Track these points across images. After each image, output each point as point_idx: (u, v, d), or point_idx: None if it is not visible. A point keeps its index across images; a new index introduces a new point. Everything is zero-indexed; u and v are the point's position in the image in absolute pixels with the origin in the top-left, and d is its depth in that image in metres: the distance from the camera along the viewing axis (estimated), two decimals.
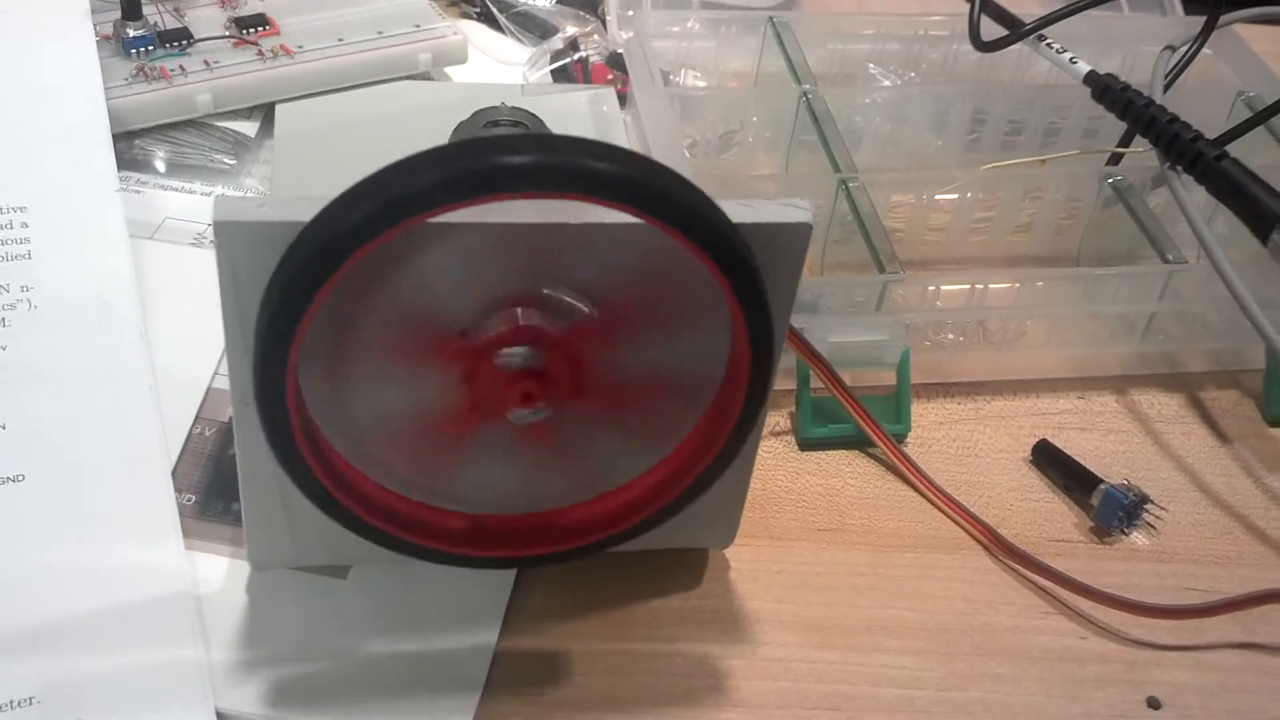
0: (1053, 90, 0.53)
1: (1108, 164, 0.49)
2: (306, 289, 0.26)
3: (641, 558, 0.36)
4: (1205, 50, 0.53)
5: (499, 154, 0.25)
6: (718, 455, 0.32)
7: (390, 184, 0.25)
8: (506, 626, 0.35)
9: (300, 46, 0.50)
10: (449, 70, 0.53)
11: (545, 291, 0.29)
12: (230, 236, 0.27)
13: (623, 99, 0.52)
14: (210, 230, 0.45)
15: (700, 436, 0.33)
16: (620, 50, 0.54)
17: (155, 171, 0.48)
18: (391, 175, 0.25)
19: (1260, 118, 0.48)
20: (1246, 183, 0.44)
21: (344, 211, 0.25)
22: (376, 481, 0.32)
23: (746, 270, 0.29)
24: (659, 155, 0.46)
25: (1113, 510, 0.40)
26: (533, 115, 0.42)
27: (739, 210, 0.29)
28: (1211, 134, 0.45)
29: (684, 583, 0.37)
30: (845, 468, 0.42)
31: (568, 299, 0.29)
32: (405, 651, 0.35)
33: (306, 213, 0.26)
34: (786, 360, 0.41)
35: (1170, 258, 0.44)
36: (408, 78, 0.51)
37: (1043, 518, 0.41)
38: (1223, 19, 0.54)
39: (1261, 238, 0.43)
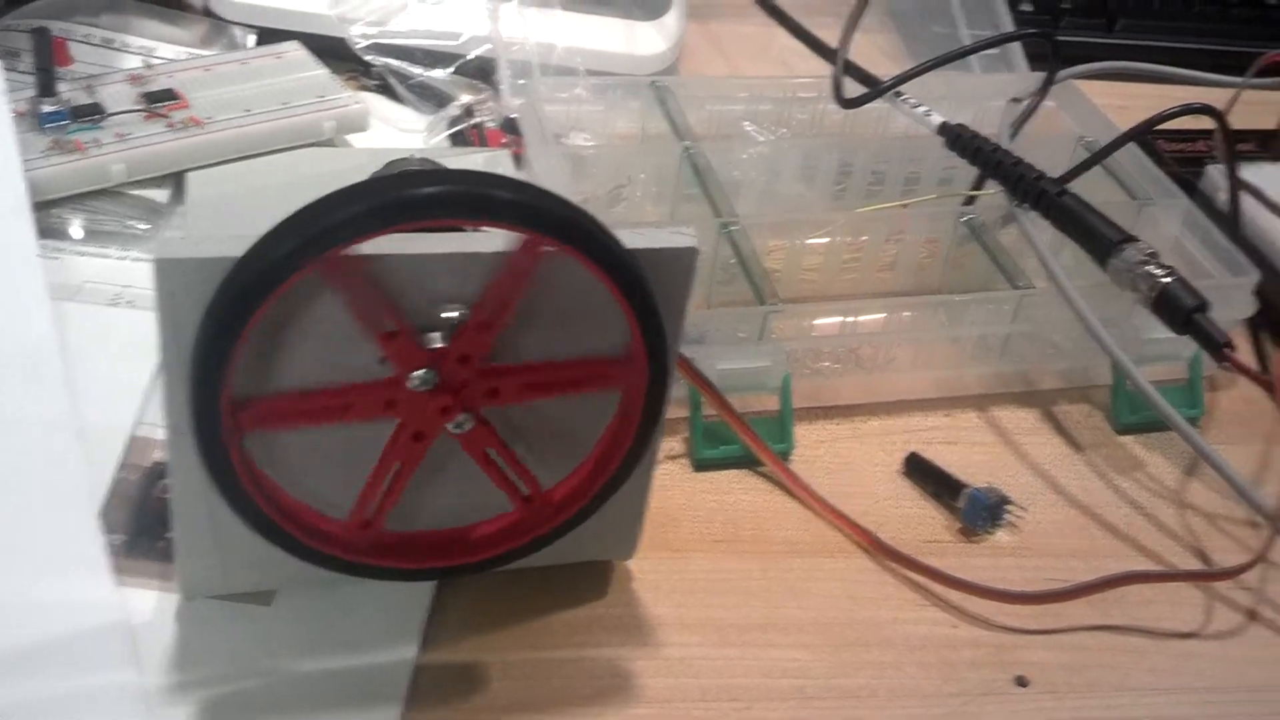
0: (911, 142, 0.57)
1: (962, 205, 0.53)
2: (241, 314, 0.29)
3: (551, 571, 0.39)
4: (1048, 102, 0.58)
5: (419, 185, 0.28)
6: (622, 464, 0.36)
7: (320, 215, 0.28)
8: (426, 641, 0.38)
9: (209, 117, 0.53)
10: (351, 138, 0.56)
11: (441, 315, 0.32)
12: (169, 273, 0.29)
13: (518, 160, 0.56)
14: (126, 291, 0.48)
15: (604, 448, 0.36)
16: (514, 115, 0.57)
17: (72, 238, 0.50)
18: (321, 207, 0.28)
19: (1096, 158, 0.53)
20: (1085, 215, 0.48)
21: (276, 241, 0.28)
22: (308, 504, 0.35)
23: (641, 288, 0.32)
24: None
25: (978, 512, 0.44)
26: (440, 164, 0.45)
27: (632, 238, 0.33)
28: (1055, 175, 0.50)
29: (592, 593, 0.40)
30: (736, 485, 0.45)
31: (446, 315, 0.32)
32: (329, 669, 0.37)
33: (239, 249, 0.29)
34: (679, 389, 0.45)
35: (1020, 285, 0.49)
36: (313, 145, 0.54)
37: (916, 522, 0.45)
38: (1062, 74, 0.59)
39: (1100, 263, 0.47)
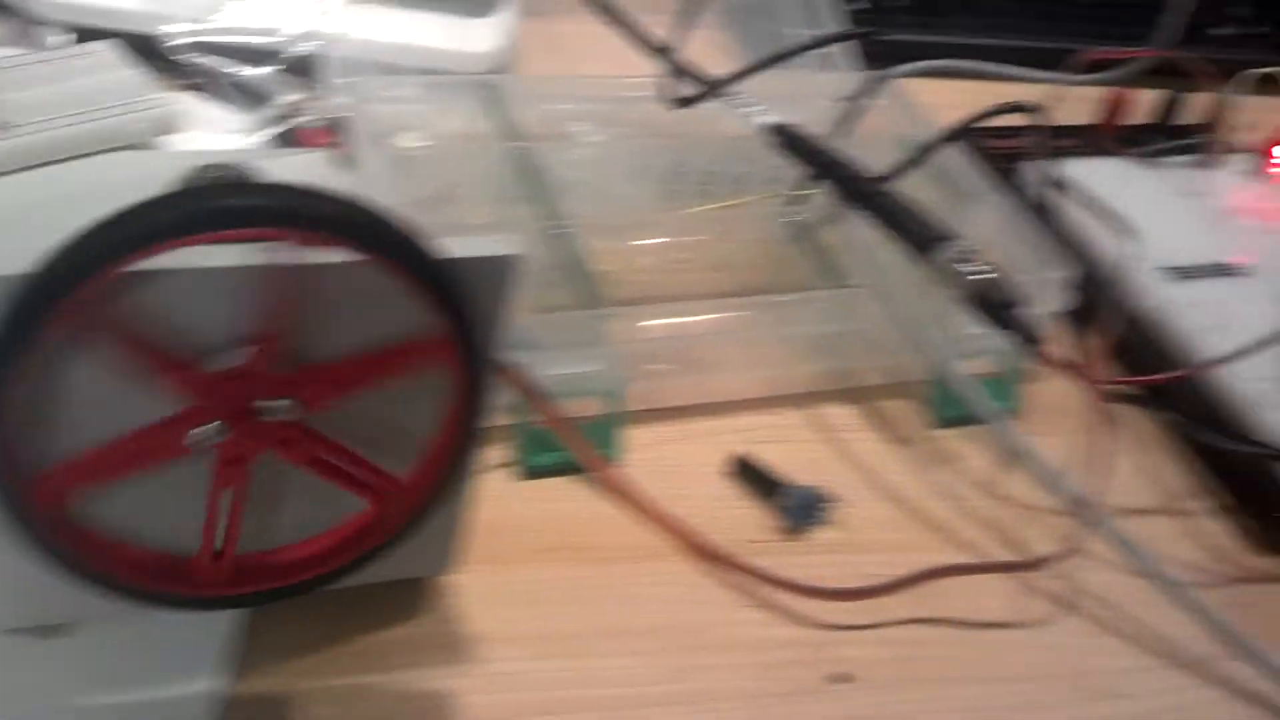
0: (742, 141, 0.58)
1: (791, 205, 0.54)
2: (29, 329, 0.27)
3: (369, 591, 0.38)
4: (877, 101, 0.60)
5: (222, 196, 0.27)
6: (437, 486, 0.35)
7: (122, 223, 0.27)
8: (240, 670, 0.37)
9: (10, 121, 0.50)
10: (169, 139, 0.54)
11: (222, 333, 0.31)
12: None
13: (344, 160, 0.55)
14: None
15: (419, 469, 0.35)
16: (339, 115, 0.56)
17: None
18: (123, 216, 0.27)
19: (917, 158, 0.54)
20: (905, 214, 0.49)
21: (71, 254, 0.27)
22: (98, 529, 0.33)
23: (461, 301, 0.32)
24: None
25: (801, 510, 0.45)
26: (255, 172, 0.44)
27: (452, 245, 0.32)
28: (880, 174, 0.51)
29: (413, 611, 0.40)
30: (566, 492, 0.45)
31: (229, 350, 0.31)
32: (131, 703, 0.36)
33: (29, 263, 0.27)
34: (508, 396, 0.44)
35: (845, 284, 0.50)
36: (127, 148, 0.52)
37: (742, 522, 0.45)
38: (892, 72, 0.61)
39: (919, 261, 0.48)
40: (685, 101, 0.56)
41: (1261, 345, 0.48)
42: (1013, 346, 0.48)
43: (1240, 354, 0.48)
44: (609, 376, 0.46)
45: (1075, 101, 0.63)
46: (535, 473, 0.45)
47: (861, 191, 0.50)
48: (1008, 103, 0.55)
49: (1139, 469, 0.50)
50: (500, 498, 0.44)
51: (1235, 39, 0.81)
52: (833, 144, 0.54)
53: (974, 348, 0.50)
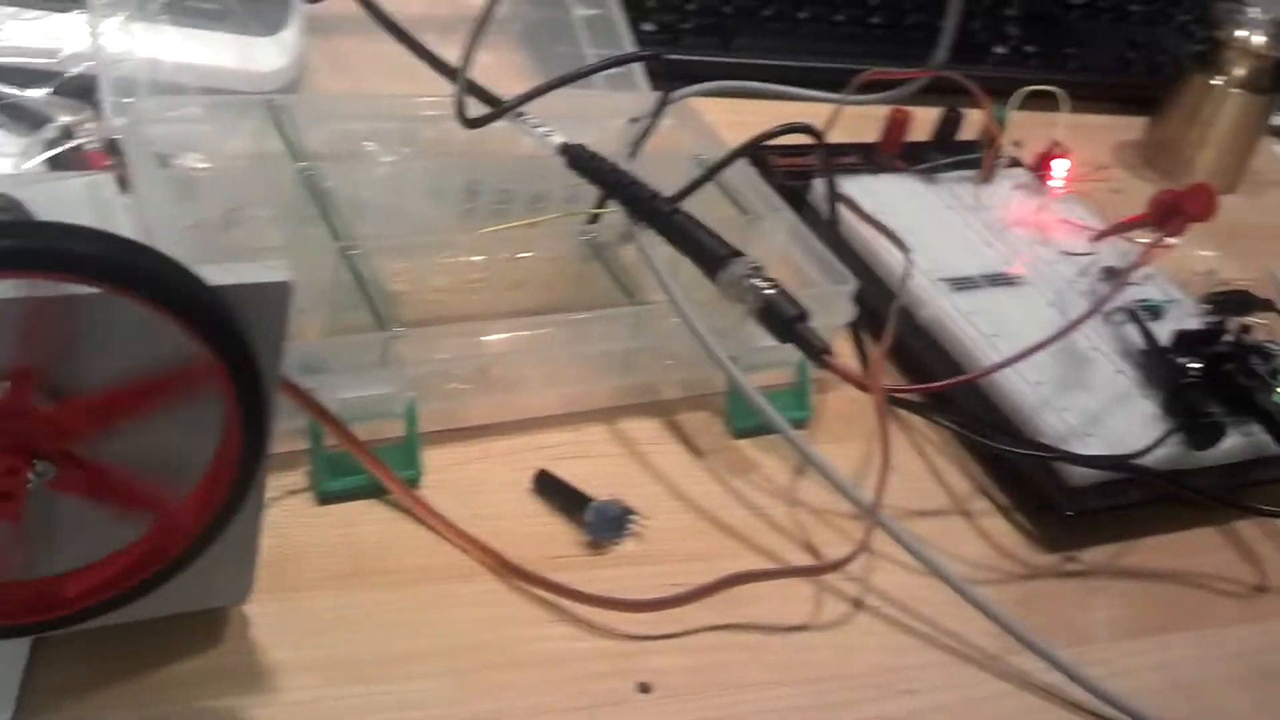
0: (536, 161, 0.58)
1: (586, 224, 0.55)
2: None
3: (166, 623, 0.37)
4: (667, 120, 0.61)
5: None
6: (218, 512, 0.34)
7: None
8: (22, 708, 0.35)
9: None
10: None
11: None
12: None
13: (123, 183, 0.53)
14: None
15: (200, 496, 0.34)
16: (117, 136, 0.54)
17: None
18: None
19: (705, 176, 0.55)
20: (695, 232, 0.50)
21: None
22: None
23: (227, 330, 0.31)
24: (160, 237, 0.47)
25: (603, 524, 0.45)
26: (15, 202, 0.42)
27: (218, 274, 0.31)
28: (671, 194, 0.52)
29: (205, 642, 0.38)
30: (364, 516, 0.44)
31: None
32: None
33: None
34: (299, 420, 0.43)
35: (640, 300, 0.51)
36: None
37: (545, 538, 0.45)
38: (678, 93, 0.62)
39: (710, 278, 0.50)
40: (477, 121, 0.56)
41: (1035, 349, 0.51)
42: (802, 358, 0.49)
43: (1017, 359, 0.51)
44: (401, 398, 0.46)
45: (859, 120, 0.66)
46: (330, 498, 0.45)
47: (652, 210, 0.51)
48: (790, 123, 0.57)
49: (925, 473, 0.53)
50: (296, 524, 0.43)
51: (1010, 58, 0.86)
52: (624, 163, 0.55)
53: (767, 360, 0.51)
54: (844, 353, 0.54)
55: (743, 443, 0.51)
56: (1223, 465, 0.53)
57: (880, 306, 0.56)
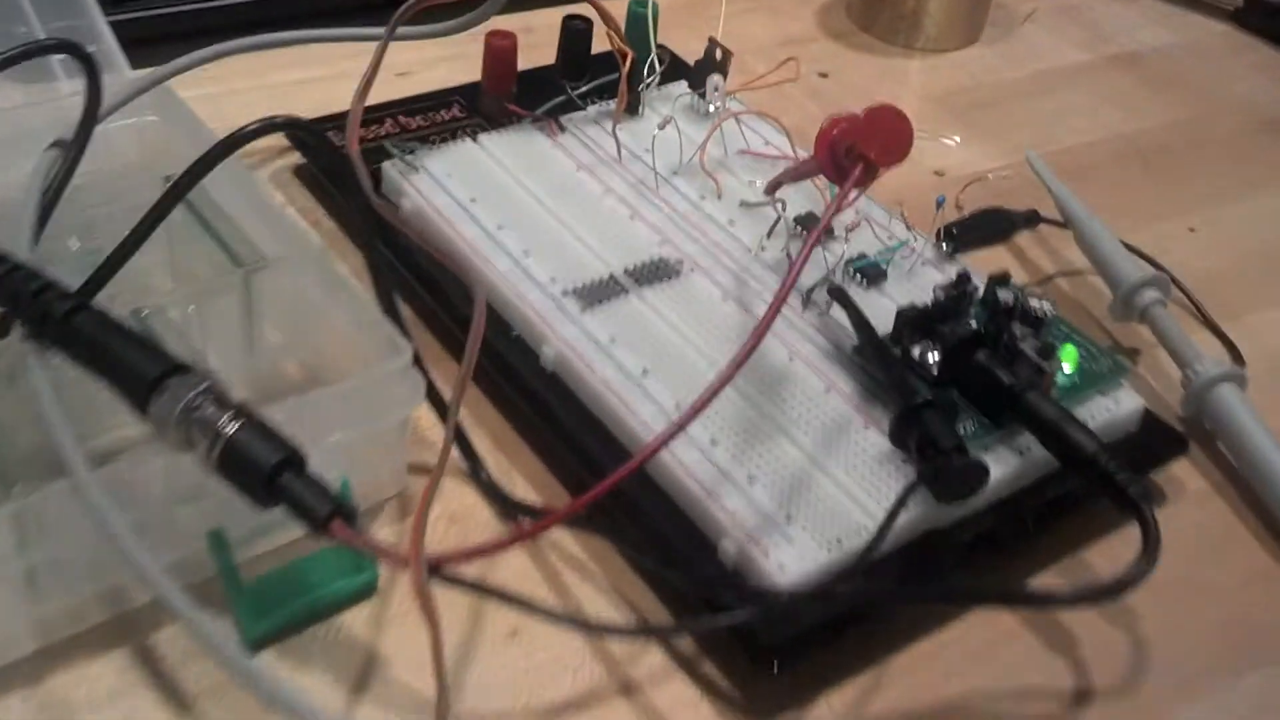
0: None
1: None
2: None
3: None
4: (149, 117, 0.41)
5: None
6: None
7: None
8: None
9: None
10: None
11: None
12: None
13: None
14: None
15: None
16: None
17: None
18: None
19: (143, 229, 0.35)
20: (109, 339, 0.31)
21: None
22: None
23: None
24: None
25: None
26: None
27: None
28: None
29: None
30: None
31: None
32: None
33: None
34: None
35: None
36: None
37: None
38: (129, 80, 0.42)
39: (140, 413, 0.30)
40: None
41: (706, 401, 0.33)
42: (303, 528, 0.30)
43: (675, 431, 0.33)
44: None
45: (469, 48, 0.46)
46: None
47: (46, 316, 0.31)
48: (271, 119, 0.37)
49: (571, 615, 0.35)
50: None
51: None
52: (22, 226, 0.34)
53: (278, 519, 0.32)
54: (431, 438, 0.36)
55: (267, 655, 0.32)
56: (1003, 500, 0.36)
57: (501, 345, 0.38)
